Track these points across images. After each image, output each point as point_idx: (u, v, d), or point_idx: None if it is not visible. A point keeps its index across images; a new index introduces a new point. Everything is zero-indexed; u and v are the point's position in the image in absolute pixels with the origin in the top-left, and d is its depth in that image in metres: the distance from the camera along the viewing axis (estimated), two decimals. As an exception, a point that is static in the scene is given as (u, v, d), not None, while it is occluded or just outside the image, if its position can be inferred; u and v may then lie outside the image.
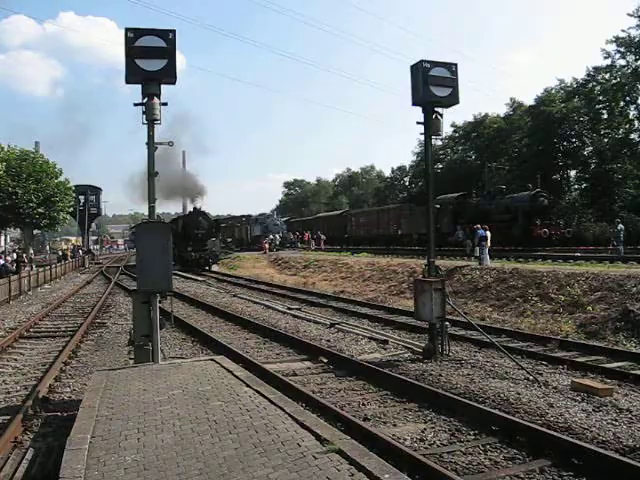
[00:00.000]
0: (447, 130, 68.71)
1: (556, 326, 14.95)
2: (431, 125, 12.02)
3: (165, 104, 9.66)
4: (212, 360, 9.40)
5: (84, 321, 17.34)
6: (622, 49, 49.00)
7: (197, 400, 6.88)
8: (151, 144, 9.62)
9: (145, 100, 9.54)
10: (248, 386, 7.52)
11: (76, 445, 5.46)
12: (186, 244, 42.84)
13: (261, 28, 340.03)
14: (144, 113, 9.51)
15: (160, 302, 9.53)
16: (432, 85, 11.61)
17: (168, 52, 9.35)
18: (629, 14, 47.23)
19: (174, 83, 9.72)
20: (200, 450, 5.27)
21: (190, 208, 48.26)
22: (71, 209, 58.18)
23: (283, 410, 6.42)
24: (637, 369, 10.58)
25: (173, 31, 9.42)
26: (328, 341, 13.85)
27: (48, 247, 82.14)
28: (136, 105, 9.59)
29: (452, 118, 71.50)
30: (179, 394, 7.18)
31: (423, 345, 12.30)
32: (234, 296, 24.99)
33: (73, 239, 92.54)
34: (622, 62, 50.05)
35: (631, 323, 13.72)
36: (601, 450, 6.35)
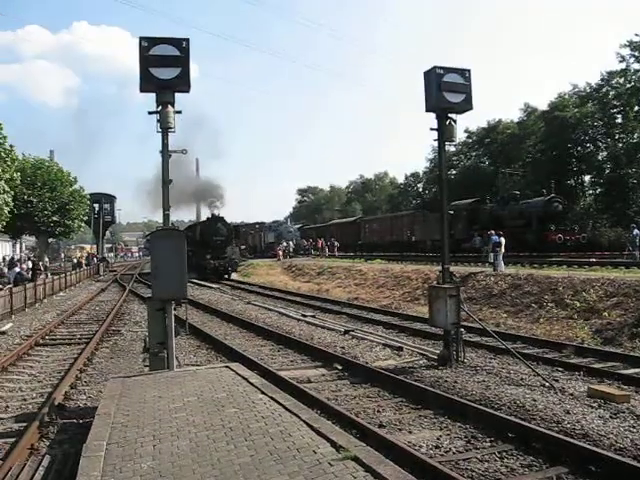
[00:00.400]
0: (461, 136, 68.48)
1: (572, 332, 14.87)
2: (445, 131, 12.01)
3: (179, 112, 9.72)
4: (227, 367, 9.42)
5: (99, 328, 17.40)
6: (636, 53, 48.82)
7: (212, 407, 6.89)
8: (165, 152, 9.68)
9: (159, 108, 9.60)
10: (263, 393, 7.53)
11: (92, 452, 5.49)
12: (204, 252, 40.99)
13: (279, 38, 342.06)
14: (158, 121, 9.57)
15: (175, 309, 9.57)
16: (445, 91, 11.62)
17: (182, 60, 9.43)
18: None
19: (188, 91, 9.79)
20: (216, 457, 5.28)
21: (205, 214, 47.89)
22: (86, 217, 58.57)
23: (298, 417, 6.42)
24: (654, 375, 10.49)
25: (187, 40, 9.50)
26: (342, 348, 13.83)
27: (63, 255, 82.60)
28: (150, 113, 9.65)
29: (466, 124, 71.27)
30: (194, 401, 7.20)
31: (438, 352, 12.25)
32: (248, 303, 25.02)
33: (88, 247, 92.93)
34: (636, 66, 49.93)
35: (648, 329, 13.63)
36: (619, 457, 6.31)
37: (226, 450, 5.46)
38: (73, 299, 29.59)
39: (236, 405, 6.96)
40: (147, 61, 9.32)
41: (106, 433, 6.02)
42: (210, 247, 41.56)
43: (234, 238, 46.63)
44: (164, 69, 9.33)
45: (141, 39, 9.37)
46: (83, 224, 60.21)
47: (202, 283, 36.83)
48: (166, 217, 9.81)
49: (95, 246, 77.74)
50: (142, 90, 9.65)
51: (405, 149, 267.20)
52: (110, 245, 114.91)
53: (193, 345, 14.80)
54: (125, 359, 13.24)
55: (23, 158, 50.40)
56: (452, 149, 68.94)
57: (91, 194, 62.55)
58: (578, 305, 16.41)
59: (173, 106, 9.61)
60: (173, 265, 9.20)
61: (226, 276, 41.92)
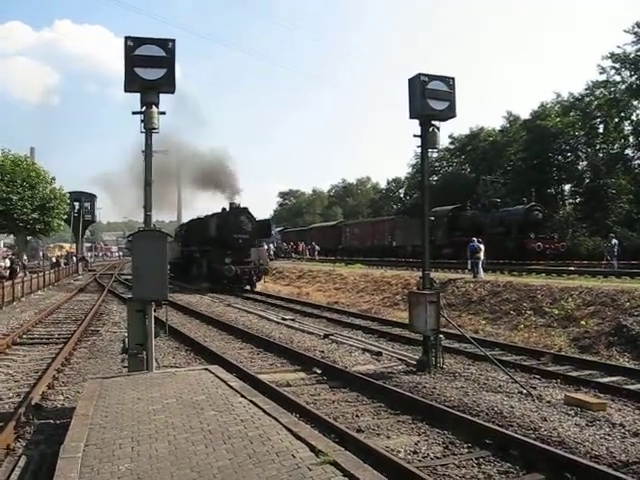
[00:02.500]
0: (444, 142, 69.03)
1: (549, 340, 14.98)
2: (428, 138, 12.06)
3: (163, 113, 9.70)
4: (206, 370, 9.41)
5: (77, 328, 17.27)
6: (617, 65, 49.27)
7: (191, 409, 6.87)
8: (149, 153, 9.64)
9: (143, 109, 9.57)
10: (242, 396, 7.52)
11: (70, 453, 5.45)
12: (222, 254, 31.72)
13: (258, 39, 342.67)
14: (142, 122, 9.54)
15: (155, 311, 9.53)
16: (429, 98, 11.66)
17: (167, 61, 9.40)
18: (625, 30, 47.50)
19: (173, 92, 9.77)
20: (194, 460, 5.27)
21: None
22: (65, 216, 57.98)
23: (277, 421, 6.43)
24: (630, 384, 10.60)
25: (173, 40, 9.47)
26: (322, 352, 13.84)
27: (41, 254, 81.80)
28: (134, 114, 9.61)
29: (449, 129, 71.66)
30: (173, 403, 7.17)
31: (417, 357, 12.31)
32: (228, 305, 24.96)
33: (67, 246, 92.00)
34: (617, 78, 50.38)
35: (624, 338, 13.76)
36: (594, 465, 6.37)
37: (205, 453, 5.45)
38: (51, 298, 29.37)
39: (215, 408, 6.95)
40: (132, 61, 9.27)
41: (84, 434, 5.98)
42: (230, 247, 32.29)
43: (266, 236, 38.59)
44: (149, 69, 9.29)
45: (126, 39, 9.32)
46: (63, 222, 59.63)
47: (182, 284, 35.63)
48: (148, 218, 9.76)
49: (74, 245, 76.93)
50: (127, 90, 9.61)
51: (388, 154, 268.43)
52: (90, 244, 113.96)
53: (172, 347, 14.73)
54: (103, 360, 13.15)
55: (2, 154, 49.94)
56: (434, 155, 69.24)
57: (71, 192, 61.93)
58: (556, 313, 16.54)
59: (157, 107, 9.58)
60: (154, 266, 9.17)
61: (248, 287, 33.22)
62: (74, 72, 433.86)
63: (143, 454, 5.43)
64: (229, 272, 31.15)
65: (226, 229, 32.73)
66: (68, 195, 58.38)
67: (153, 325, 9.32)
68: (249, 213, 34.22)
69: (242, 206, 34.27)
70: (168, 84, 9.51)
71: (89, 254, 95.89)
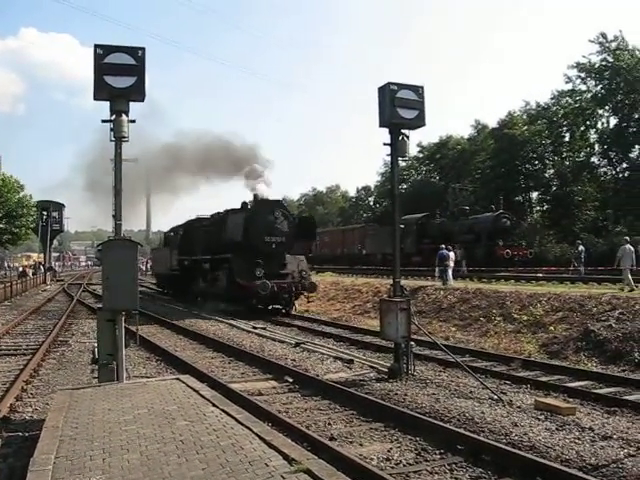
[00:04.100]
0: (413, 151, 69.50)
1: (519, 346, 15.13)
2: (398, 147, 12.13)
3: (133, 121, 9.62)
4: (177, 379, 9.34)
5: (46, 339, 17.02)
6: (583, 74, 50.13)
7: (163, 420, 6.82)
8: (118, 161, 9.57)
9: (113, 117, 9.50)
10: (214, 405, 7.47)
11: (40, 466, 5.36)
12: (250, 264, 22.90)
13: (227, 47, 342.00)
14: (112, 130, 9.47)
15: (125, 321, 9.45)
16: (399, 107, 11.72)
17: (137, 69, 9.33)
18: (590, 40, 48.34)
19: (143, 100, 9.71)
20: (167, 470, 5.21)
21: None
22: (33, 225, 57.20)
23: (250, 430, 6.39)
24: (598, 388, 10.75)
25: (143, 49, 9.41)
26: (293, 360, 13.81)
27: (6, 264, 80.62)
28: (104, 122, 9.54)
29: (419, 138, 72.40)
30: (145, 414, 7.11)
31: (388, 365, 12.32)
32: (198, 315, 24.77)
33: (35, 255, 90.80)
34: (583, 87, 51.27)
35: (592, 343, 13.95)
36: (565, 468, 6.43)
37: (177, 463, 5.40)
38: (18, 309, 28.89)
39: (187, 418, 6.90)
40: (102, 69, 9.19)
41: (54, 446, 5.90)
42: (260, 253, 23.57)
43: (309, 239, 30.91)
44: (119, 77, 9.22)
45: (96, 47, 9.25)
46: (30, 232, 58.81)
47: (143, 289, 35.20)
48: (118, 227, 9.68)
49: (42, 255, 75.92)
50: (96, 98, 9.53)
51: (357, 162, 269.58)
52: (58, 254, 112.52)
53: (142, 357, 14.59)
54: (73, 370, 13.00)
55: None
56: (403, 163, 69.71)
57: (39, 201, 61.12)
58: (525, 319, 16.71)
59: (127, 115, 9.52)
60: (125, 276, 9.09)
61: (285, 309, 25.03)
62: (40, 80, 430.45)
63: (115, 466, 5.37)
64: (264, 289, 22.41)
65: (254, 229, 24.11)
66: (35, 204, 57.62)
67: (124, 335, 9.24)
68: (285, 208, 26.32)
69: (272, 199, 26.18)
70: (138, 92, 9.45)
71: (57, 264, 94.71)
